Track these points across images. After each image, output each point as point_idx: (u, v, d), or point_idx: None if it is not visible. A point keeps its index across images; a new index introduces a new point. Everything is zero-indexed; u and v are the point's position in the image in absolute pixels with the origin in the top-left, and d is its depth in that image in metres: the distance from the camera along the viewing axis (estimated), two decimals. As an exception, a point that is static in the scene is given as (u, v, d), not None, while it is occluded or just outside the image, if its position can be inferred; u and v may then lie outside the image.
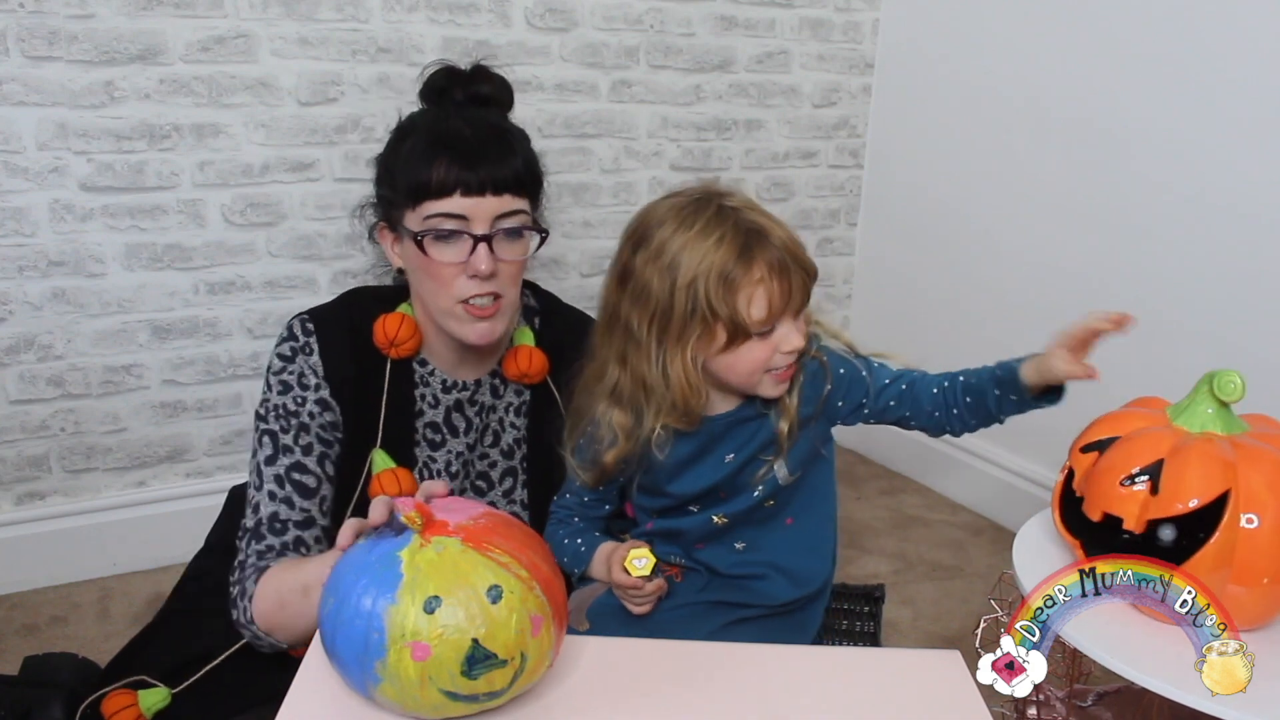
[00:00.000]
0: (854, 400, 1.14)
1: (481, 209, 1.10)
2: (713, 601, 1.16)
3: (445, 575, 0.76)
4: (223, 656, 1.15)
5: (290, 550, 1.12)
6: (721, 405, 1.12)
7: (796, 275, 1.03)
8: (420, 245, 1.10)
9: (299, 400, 1.15)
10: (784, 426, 1.10)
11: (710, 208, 1.04)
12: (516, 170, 1.12)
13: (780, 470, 1.13)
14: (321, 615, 0.80)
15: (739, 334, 1.02)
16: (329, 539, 1.15)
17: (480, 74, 1.21)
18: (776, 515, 1.16)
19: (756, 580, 1.16)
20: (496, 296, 1.13)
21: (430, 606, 0.74)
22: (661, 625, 1.14)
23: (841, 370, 1.13)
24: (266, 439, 1.14)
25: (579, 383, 1.14)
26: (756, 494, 1.14)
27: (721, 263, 1.00)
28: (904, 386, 1.13)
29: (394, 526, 0.81)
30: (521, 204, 1.13)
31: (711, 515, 1.15)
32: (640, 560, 1.09)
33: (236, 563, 1.13)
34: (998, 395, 1.09)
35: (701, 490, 1.14)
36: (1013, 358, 1.09)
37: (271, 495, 1.13)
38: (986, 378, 1.10)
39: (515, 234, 1.13)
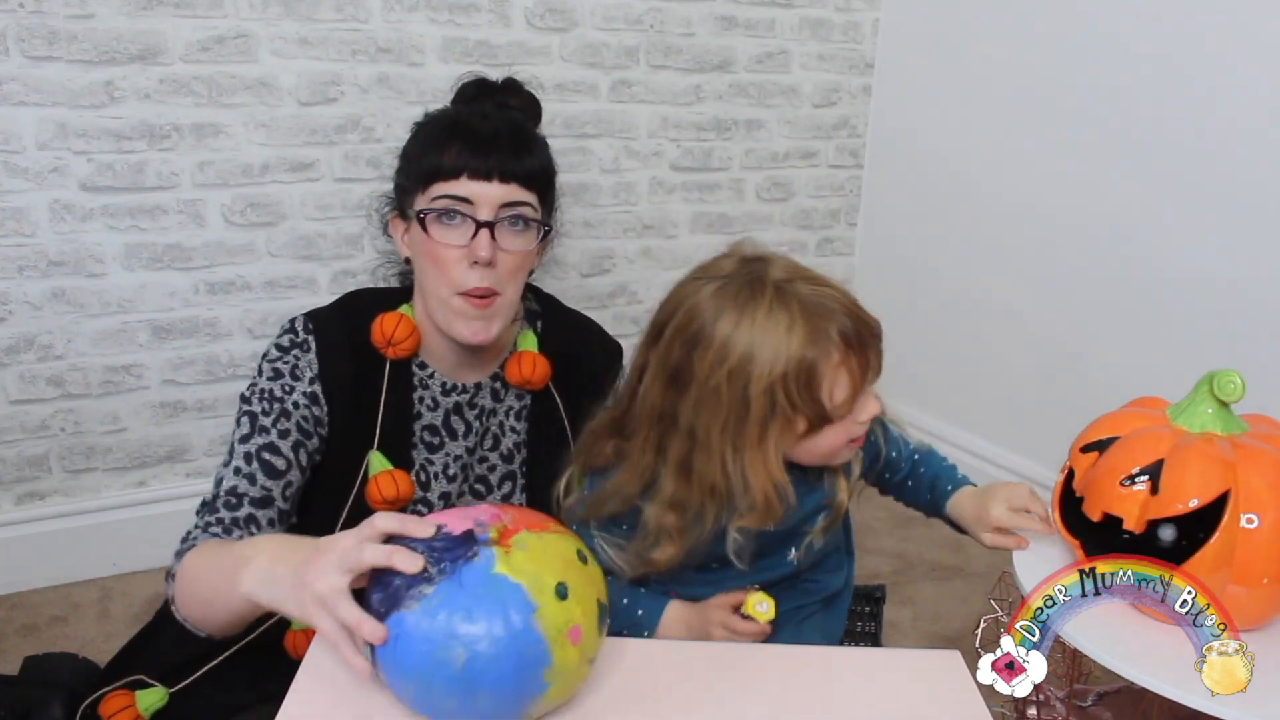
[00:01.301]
0: (869, 464, 1.15)
1: (488, 195, 1.10)
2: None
3: (547, 563, 0.78)
4: (221, 657, 1.14)
5: (239, 527, 1.08)
6: None
7: (871, 344, 0.97)
8: (423, 224, 1.11)
9: (287, 389, 1.14)
10: (843, 498, 1.07)
11: (766, 289, 0.95)
12: (527, 163, 1.13)
13: (818, 540, 1.08)
14: (430, 688, 0.74)
15: (822, 422, 0.96)
16: (284, 525, 1.13)
17: (511, 87, 1.24)
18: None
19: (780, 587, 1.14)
20: (494, 293, 1.13)
21: (561, 593, 0.76)
22: None
23: (874, 439, 1.15)
24: (245, 419, 1.14)
25: (607, 487, 1.04)
26: (790, 559, 1.07)
27: (800, 353, 0.93)
28: (906, 474, 1.20)
29: (455, 554, 0.76)
30: (529, 197, 1.13)
31: (747, 583, 1.07)
32: (763, 605, 1.02)
33: (184, 536, 1.09)
34: (929, 499, 1.19)
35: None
36: (952, 483, 1.19)
37: (236, 470, 1.10)
38: (927, 483, 1.20)
39: (519, 226, 1.14)
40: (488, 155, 1.10)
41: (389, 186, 1.23)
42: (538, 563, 0.77)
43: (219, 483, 1.12)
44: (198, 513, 1.11)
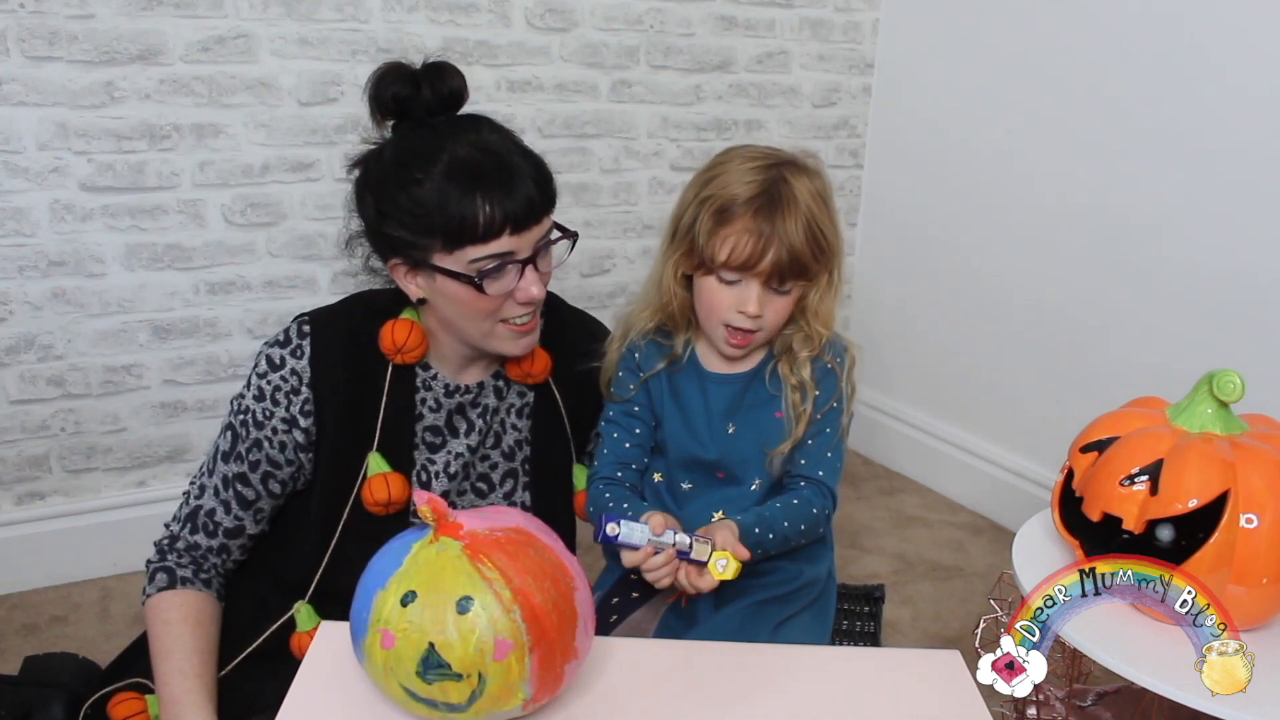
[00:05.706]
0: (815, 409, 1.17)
1: (527, 240, 1.09)
2: (761, 601, 1.16)
3: (431, 575, 0.78)
4: (232, 666, 1.15)
5: (213, 555, 1.18)
6: (738, 366, 1.18)
7: (779, 250, 1.07)
8: (479, 287, 1.08)
9: (267, 414, 1.15)
10: (799, 431, 1.14)
11: (772, 160, 1.11)
12: (544, 189, 1.10)
13: (776, 464, 1.15)
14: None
15: (703, 265, 1.12)
16: (257, 540, 1.22)
17: (447, 69, 1.13)
18: None
19: (767, 571, 1.16)
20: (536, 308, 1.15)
21: (406, 600, 0.77)
22: (719, 633, 1.12)
23: (835, 391, 1.17)
24: (229, 433, 1.18)
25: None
26: (754, 489, 1.15)
27: (729, 198, 1.08)
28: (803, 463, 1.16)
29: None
30: (551, 217, 1.13)
31: (712, 513, 1.15)
32: (722, 562, 1.05)
33: (166, 535, 1.19)
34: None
35: (701, 457, 1.16)
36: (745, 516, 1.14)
37: (216, 491, 1.17)
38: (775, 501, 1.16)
39: (549, 245, 1.14)
40: (515, 198, 1.06)
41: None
42: (427, 567, 0.78)
43: (200, 491, 1.18)
44: (180, 508, 1.19)
